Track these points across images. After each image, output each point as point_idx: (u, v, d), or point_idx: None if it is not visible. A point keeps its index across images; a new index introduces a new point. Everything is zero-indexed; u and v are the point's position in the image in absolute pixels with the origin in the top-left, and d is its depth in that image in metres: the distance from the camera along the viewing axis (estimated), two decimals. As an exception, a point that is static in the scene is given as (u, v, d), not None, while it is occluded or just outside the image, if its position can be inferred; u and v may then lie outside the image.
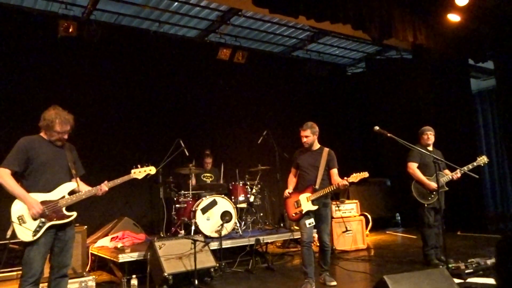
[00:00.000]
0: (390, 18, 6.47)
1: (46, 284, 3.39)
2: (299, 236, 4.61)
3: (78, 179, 3.46)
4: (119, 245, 5.32)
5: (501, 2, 6.73)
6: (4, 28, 6.34)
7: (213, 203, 5.92)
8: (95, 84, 7.06)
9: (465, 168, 4.97)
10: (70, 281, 3.67)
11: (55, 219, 3.25)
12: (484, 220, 8.24)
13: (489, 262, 4.49)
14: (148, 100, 7.60)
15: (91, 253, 5.45)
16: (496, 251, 2.14)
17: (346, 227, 6.55)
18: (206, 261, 4.89)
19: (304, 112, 8.78)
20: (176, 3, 6.93)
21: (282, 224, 7.38)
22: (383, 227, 8.88)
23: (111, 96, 7.23)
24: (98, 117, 6.96)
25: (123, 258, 4.85)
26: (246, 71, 8.51)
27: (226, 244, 5.61)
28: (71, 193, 3.38)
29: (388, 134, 4.28)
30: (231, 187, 6.66)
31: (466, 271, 4.31)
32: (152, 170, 3.72)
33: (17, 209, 3.17)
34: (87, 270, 5.00)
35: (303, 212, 4.39)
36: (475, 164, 5.05)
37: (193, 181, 6.61)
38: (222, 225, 5.67)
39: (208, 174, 7.07)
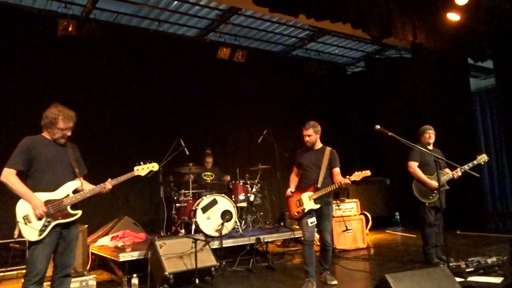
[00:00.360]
0: (390, 17, 6.47)
1: (49, 283, 3.38)
2: (299, 235, 4.61)
3: (81, 178, 3.46)
4: (120, 244, 5.32)
5: (500, 1, 6.74)
6: (4, 27, 6.32)
7: (214, 202, 5.92)
8: (95, 83, 7.06)
9: (466, 166, 4.96)
10: (71, 280, 3.65)
11: (60, 218, 3.25)
12: (483, 219, 8.27)
13: (489, 261, 4.48)
14: (147, 99, 7.60)
15: (92, 252, 5.45)
16: (510, 247, 2.16)
17: (346, 226, 6.57)
18: (207, 260, 4.90)
19: (304, 111, 8.80)
20: (175, 2, 6.93)
21: (282, 223, 7.40)
22: (383, 226, 8.89)
23: (111, 95, 7.23)
24: (98, 117, 6.94)
25: (123, 257, 4.85)
26: (246, 70, 8.50)
27: (227, 243, 5.61)
28: (75, 191, 3.38)
29: (389, 133, 4.28)
30: (231, 186, 6.65)
31: (467, 270, 4.29)
32: (155, 166, 3.74)
33: (22, 209, 3.16)
34: (87, 269, 5.01)
35: (305, 211, 4.40)
36: (475, 162, 5.06)
37: (191, 178, 6.54)
38: (222, 224, 5.68)
39: (208, 173, 7.06)
